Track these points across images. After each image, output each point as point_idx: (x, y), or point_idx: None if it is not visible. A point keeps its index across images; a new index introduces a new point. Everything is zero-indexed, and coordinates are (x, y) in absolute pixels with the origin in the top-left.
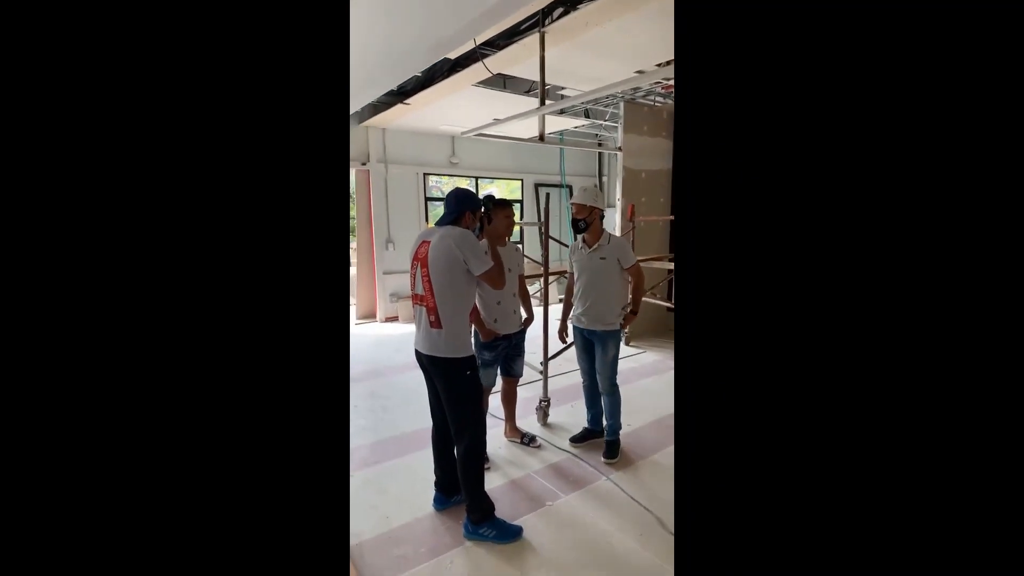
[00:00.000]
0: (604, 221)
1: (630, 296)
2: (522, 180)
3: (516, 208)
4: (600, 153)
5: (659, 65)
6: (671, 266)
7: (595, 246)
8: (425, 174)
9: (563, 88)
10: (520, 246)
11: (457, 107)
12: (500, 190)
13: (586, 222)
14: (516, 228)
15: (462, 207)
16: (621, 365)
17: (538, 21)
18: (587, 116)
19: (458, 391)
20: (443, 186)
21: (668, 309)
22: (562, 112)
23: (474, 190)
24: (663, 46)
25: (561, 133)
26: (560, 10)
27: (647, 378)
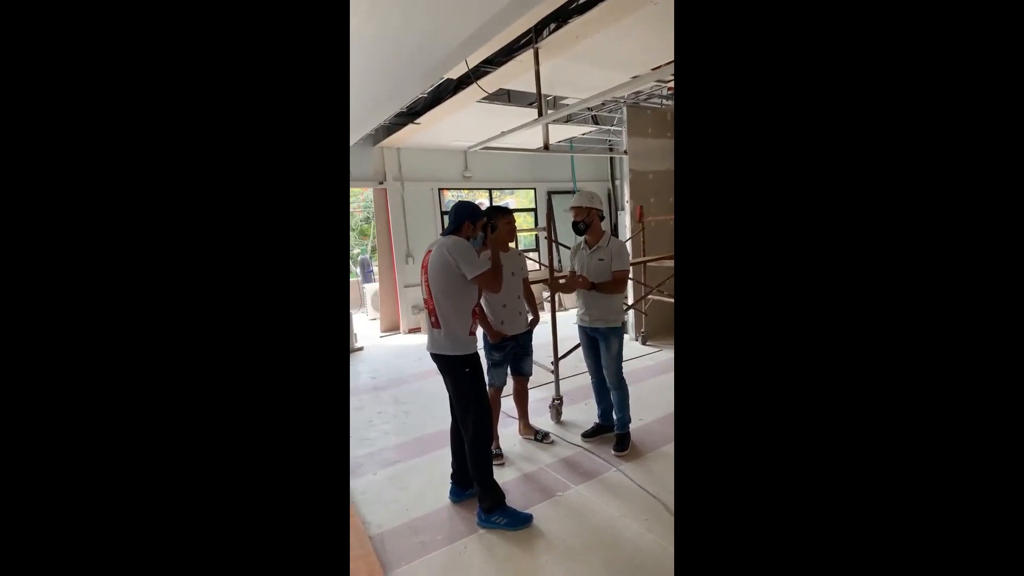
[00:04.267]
0: (616, 224)
1: (623, 292)
2: (535, 189)
3: (531, 216)
4: (612, 158)
5: (653, 69)
6: None
7: (596, 247)
8: (440, 189)
9: (564, 98)
10: (523, 253)
11: (466, 123)
12: (516, 200)
13: (585, 223)
14: (532, 235)
15: (460, 218)
16: (636, 363)
17: (531, 38)
18: (595, 123)
19: (459, 385)
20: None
21: None
22: (567, 120)
23: (488, 201)
24: (654, 52)
25: (571, 140)
26: (553, 25)
27: (661, 375)
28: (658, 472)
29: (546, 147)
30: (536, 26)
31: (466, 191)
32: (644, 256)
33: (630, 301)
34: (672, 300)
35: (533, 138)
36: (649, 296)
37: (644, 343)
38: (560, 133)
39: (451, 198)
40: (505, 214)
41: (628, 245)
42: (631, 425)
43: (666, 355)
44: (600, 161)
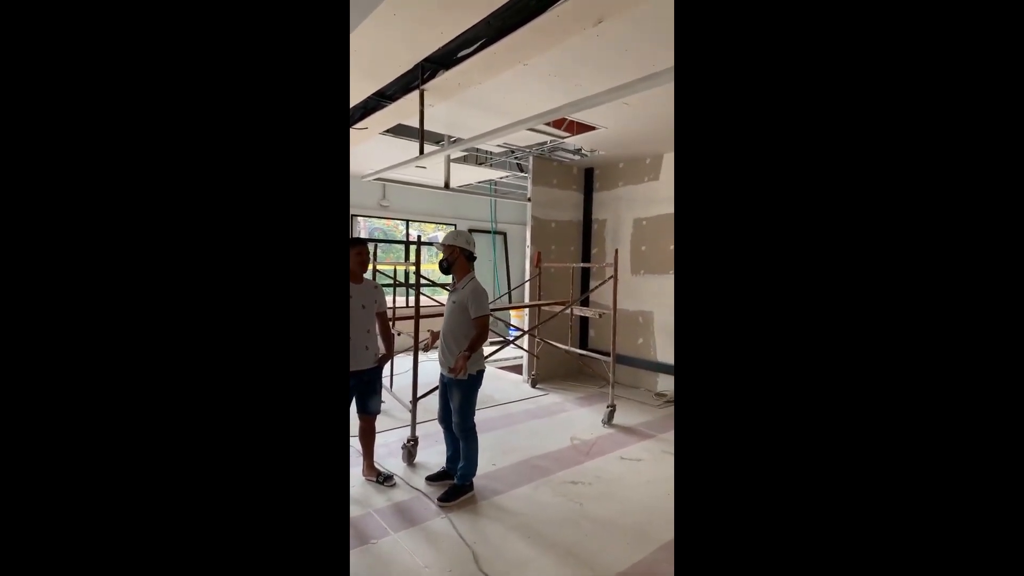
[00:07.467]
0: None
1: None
2: (455, 225)
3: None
4: None
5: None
6: (573, 311)
7: (455, 289)
8: (353, 215)
9: (462, 140)
10: (379, 286)
11: (379, 154)
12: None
13: (448, 261)
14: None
15: None
16: (519, 406)
17: (418, 83)
18: (520, 170)
19: None
20: (395, 232)
21: (580, 355)
22: (481, 163)
23: (406, 232)
24: (541, 105)
25: (492, 183)
26: (442, 70)
27: (537, 420)
28: (484, 522)
29: (446, 185)
30: (421, 70)
31: (382, 219)
32: (540, 300)
33: (523, 343)
34: (560, 346)
35: (454, 175)
36: (537, 338)
37: (534, 386)
38: (479, 175)
39: (372, 225)
40: (354, 245)
41: (525, 288)
42: (480, 471)
43: (551, 399)
44: (522, 206)
